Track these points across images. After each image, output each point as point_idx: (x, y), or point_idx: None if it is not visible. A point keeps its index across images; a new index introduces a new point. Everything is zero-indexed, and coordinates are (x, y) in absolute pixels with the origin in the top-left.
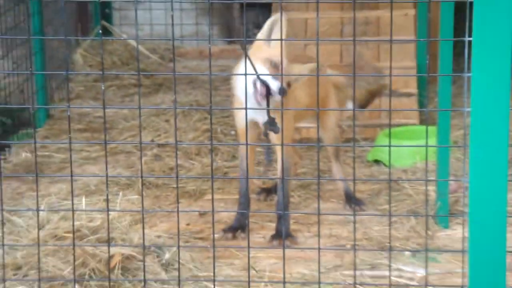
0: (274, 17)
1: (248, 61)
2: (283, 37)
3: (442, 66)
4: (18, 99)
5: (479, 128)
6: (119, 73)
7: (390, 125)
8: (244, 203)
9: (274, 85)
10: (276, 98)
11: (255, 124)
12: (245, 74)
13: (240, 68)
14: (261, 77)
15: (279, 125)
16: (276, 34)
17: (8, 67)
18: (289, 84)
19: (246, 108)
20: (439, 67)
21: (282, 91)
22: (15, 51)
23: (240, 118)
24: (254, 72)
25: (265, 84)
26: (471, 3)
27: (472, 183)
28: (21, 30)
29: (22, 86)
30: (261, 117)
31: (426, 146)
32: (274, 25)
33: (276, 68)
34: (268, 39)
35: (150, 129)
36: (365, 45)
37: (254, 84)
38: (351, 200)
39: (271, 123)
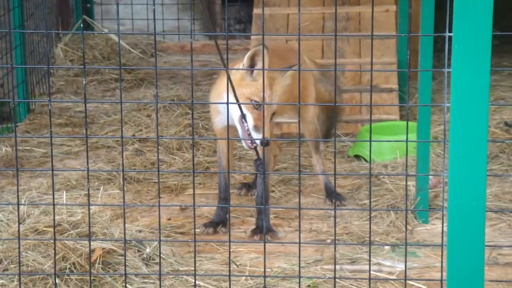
0: (256, 48)
1: (232, 92)
2: (265, 71)
3: (422, 61)
4: None
5: (459, 123)
6: (100, 67)
7: (371, 121)
8: (224, 198)
9: (258, 138)
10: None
11: (234, 127)
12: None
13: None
14: (246, 125)
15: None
16: (258, 67)
17: None
18: (274, 113)
19: (228, 103)
20: (419, 62)
21: (265, 144)
22: None
23: (216, 121)
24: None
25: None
26: None
27: (452, 178)
28: (1, 24)
29: (2, 80)
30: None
31: (406, 141)
32: (256, 56)
33: (258, 110)
34: (251, 69)
35: (132, 124)
36: (346, 41)
37: (241, 122)
38: (332, 194)
39: (260, 163)
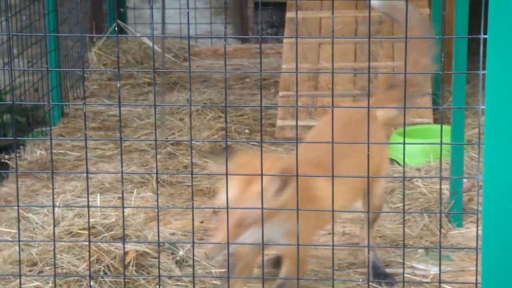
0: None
1: None
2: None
3: (456, 64)
4: (32, 98)
5: (494, 126)
6: (135, 70)
7: (404, 123)
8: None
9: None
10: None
11: None
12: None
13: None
14: None
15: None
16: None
17: (23, 65)
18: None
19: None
20: (453, 65)
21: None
22: (30, 49)
23: None
24: None
25: None
26: (486, 0)
27: (486, 181)
28: (36, 29)
29: (36, 84)
30: None
31: (441, 143)
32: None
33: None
34: None
35: (165, 127)
36: (380, 44)
37: None
38: (380, 275)
39: None
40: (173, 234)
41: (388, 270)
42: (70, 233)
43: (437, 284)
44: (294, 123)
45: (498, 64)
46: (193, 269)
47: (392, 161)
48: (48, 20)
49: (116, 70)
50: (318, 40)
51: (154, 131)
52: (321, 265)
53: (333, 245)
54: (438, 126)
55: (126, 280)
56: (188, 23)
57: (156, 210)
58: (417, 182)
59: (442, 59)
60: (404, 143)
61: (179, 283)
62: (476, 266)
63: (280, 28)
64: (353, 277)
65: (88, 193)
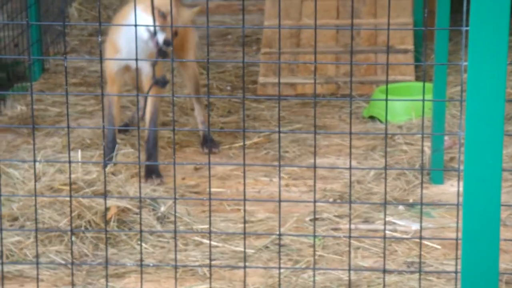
0: None
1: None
2: None
3: (439, 21)
4: (12, 53)
5: (476, 83)
6: (116, 24)
7: (387, 81)
8: (111, 147)
9: (160, 37)
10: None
11: (128, 68)
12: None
13: (128, 13)
14: (149, 29)
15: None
16: None
17: (3, 20)
18: (176, 33)
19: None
20: (436, 22)
21: (167, 43)
22: (10, 3)
23: (111, 62)
24: (147, 21)
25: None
26: None
27: (468, 137)
28: None
29: (16, 39)
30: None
31: (423, 100)
32: None
33: (164, 18)
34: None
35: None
36: (362, 1)
37: (149, 32)
38: (206, 142)
39: (160, 81)
40: (154, 190)
41: (369, 226)
42: (51, 188)
43: (418, 240)
44: (276, 80)
45: (481, 19)
46: (175, 225)
47: (374, 118)
48: None
49: (97, 24)
50: None
51: (136, 86)
52: (302, 222)
53: (314, 201)
54: (420, 84)
55: (108, 236)
56: None
57: (137, 166)
58: (398, 139)
59: (425, 15)
60: (386, 100)
61: (160, 239)
62: (457, 222)
63: None
64: (334, 232)
65: (69, 148)
